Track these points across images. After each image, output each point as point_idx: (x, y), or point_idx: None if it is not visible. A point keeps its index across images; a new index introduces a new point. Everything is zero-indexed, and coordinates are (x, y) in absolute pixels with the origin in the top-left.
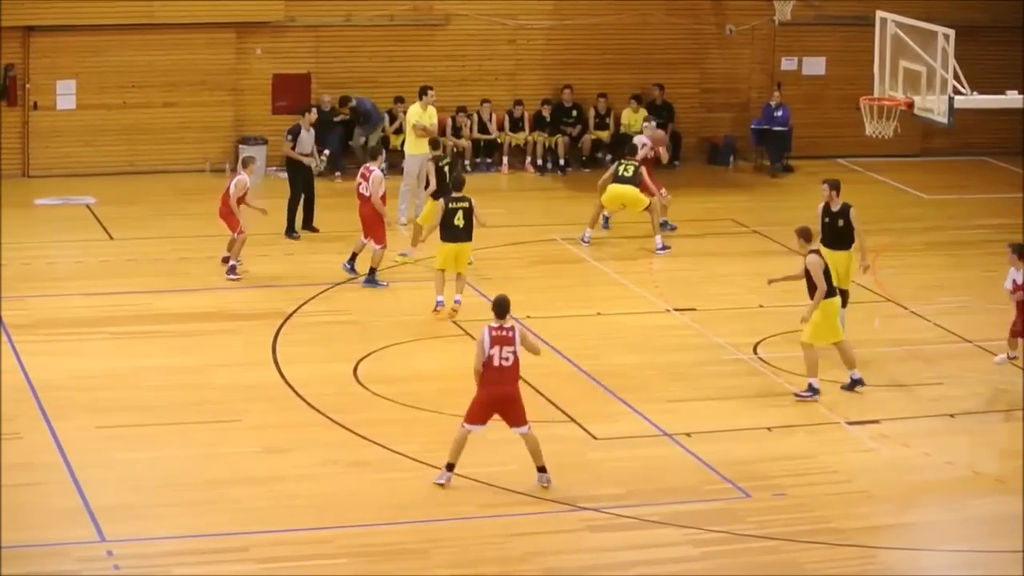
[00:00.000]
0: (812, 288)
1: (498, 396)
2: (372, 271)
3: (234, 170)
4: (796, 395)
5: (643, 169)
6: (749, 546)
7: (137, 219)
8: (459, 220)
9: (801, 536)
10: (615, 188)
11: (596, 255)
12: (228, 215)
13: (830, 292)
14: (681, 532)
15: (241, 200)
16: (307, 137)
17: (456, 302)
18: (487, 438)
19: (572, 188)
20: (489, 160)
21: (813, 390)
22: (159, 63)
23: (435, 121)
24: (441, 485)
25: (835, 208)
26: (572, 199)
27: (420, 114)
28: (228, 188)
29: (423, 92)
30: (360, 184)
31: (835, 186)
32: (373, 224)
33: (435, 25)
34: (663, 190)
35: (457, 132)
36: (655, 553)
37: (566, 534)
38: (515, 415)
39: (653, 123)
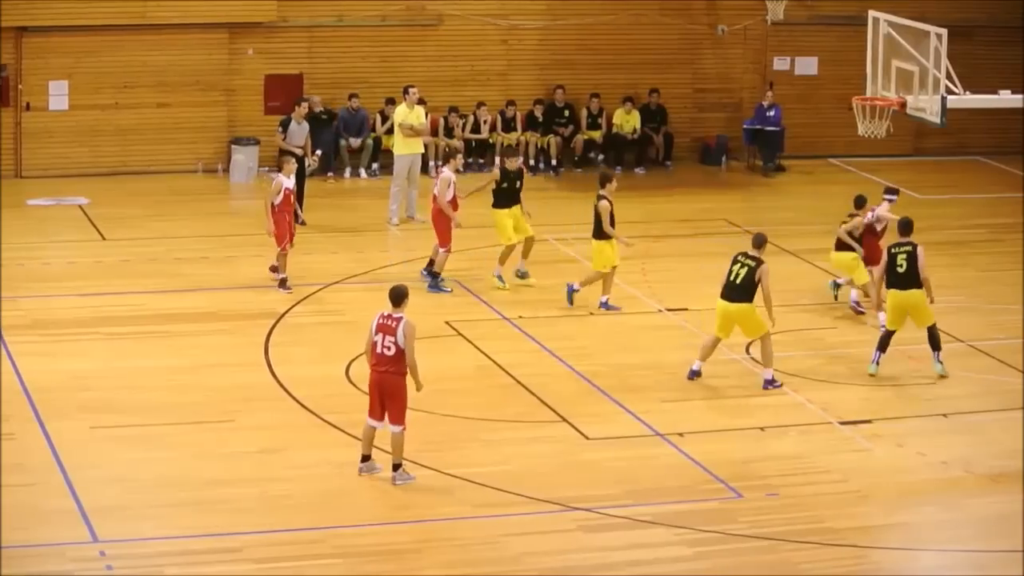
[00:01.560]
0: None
1: (377, 381)
2: (435, 275)
3: (226, 171)
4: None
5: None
6: (742, 546)
7: (130, 220)
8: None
9: (794, 536)
10: (833, 256)
11: (589, 255)
12: (276, 220)
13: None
14: (674, 532)
15: (283, 206)
16: (297, 130)
17: (605, 306)
18: (481, 438)
19: (565, 188)
20: (481, 160)
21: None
22: (152, 64)
23: (424, 120)
24: (363, 473)
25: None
26: (565, 199)
27: (407, 114)
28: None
29: (405, 92)
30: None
31: (898, 225)
32: (438, 226)
33: (427, 25)
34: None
35: (449, 132)
36: (648, 553)
37: (559, 534)
38: (392, 410)
39: (892, 198)
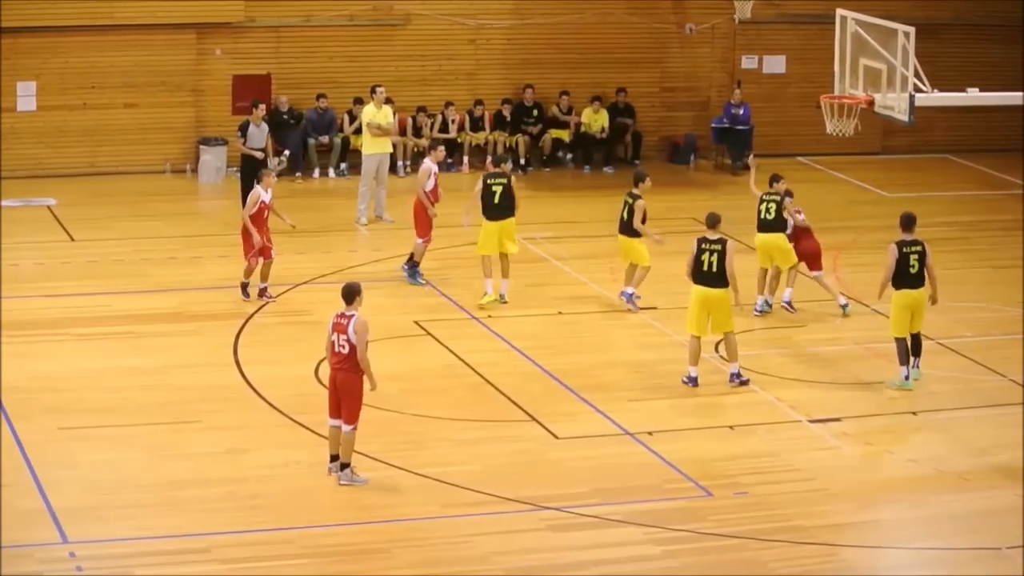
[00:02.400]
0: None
1: (333, 378)
2: (414, 265)
3: (195, 171)
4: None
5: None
6: (711, 544)
7: (98, 220)
8: (625, 214)
9: (763, 534)
10: (760, 238)
11: (557, 254)
12: (243, 235)
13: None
14: (643, 531)
15: (256, 218)
16: (256, 132)
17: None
18: (450, 438)
19: (533, 187)
20: (450, 160)
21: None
22: (120, 64)
23: (392, 120)
24: (331, 472)
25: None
26: (533, 199)
27: (375, 113)
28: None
29: (373, 91)
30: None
31: (903, 220)
32: (417, 217)
33: (395, 25)
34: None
35: (417, 132)
36: (617, 552)
37: (528, 533)
38: (345, 408)
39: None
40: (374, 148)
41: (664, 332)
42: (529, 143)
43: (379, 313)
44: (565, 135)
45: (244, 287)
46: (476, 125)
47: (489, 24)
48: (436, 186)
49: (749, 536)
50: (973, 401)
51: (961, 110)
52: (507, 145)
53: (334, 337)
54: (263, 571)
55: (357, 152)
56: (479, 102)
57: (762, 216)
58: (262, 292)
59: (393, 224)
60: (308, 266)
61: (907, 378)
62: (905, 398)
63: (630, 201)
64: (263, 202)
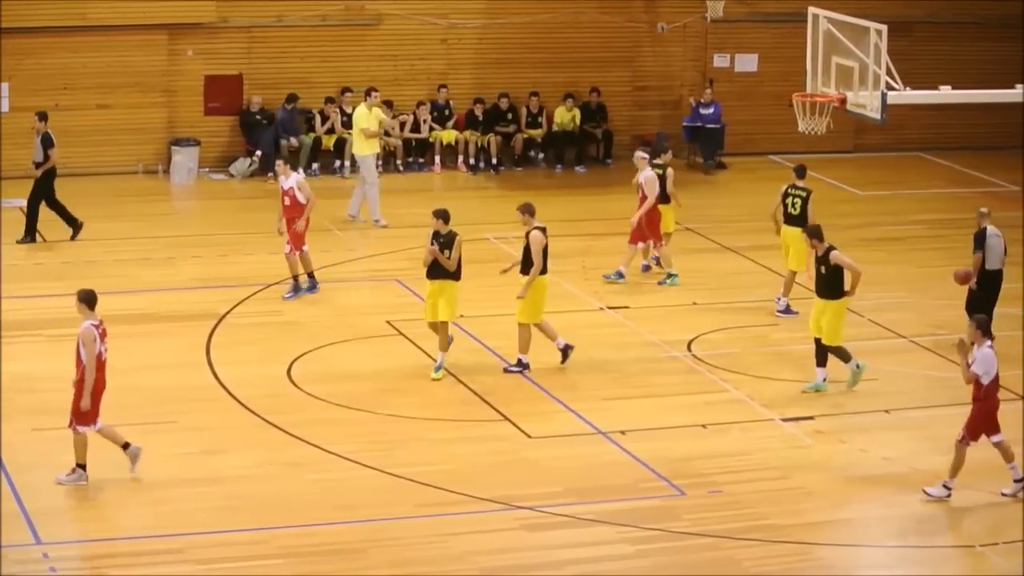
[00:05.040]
0: (528, 265)
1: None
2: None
3: (167, 172)
4: (506, 369)
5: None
6: (685, 544)
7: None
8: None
9: (737, 533)
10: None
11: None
12: None
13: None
14: (617, 530)
15: None
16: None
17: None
18: (423, 437)
19: (504, 187)
20: (421, 160)
21: (522, 364)
22: (92, 65)
23: (383, 118)
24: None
25: (819, 254)
26: (504, 198)
27: (367, 115)
28: None
29: (367, 94)
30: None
31: (812, 233)
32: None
33: (367, 25)
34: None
35: (387, 132)
36: (591, 551)
37: (502, 533)
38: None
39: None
40: (368, 149)
41: (636, 331)
42: (501, 143)
43: (351, 313)
44: (537, 134)
45: None
46: (442, 114)
47: (461, 24)
48: (284, 200)
49: (723, 535)
50: (946, 399)
51: (934, 108)
52: (479, 145)
53: (103, 347)
54: (238, 571)
55: (328, 152)
56: (442, 86)
57: (788, 210)
58: None
59: (363, 224)
60: (280, 267)
61: (858, 366)
62: (879, 396)
63: (660, 172)
64: None
